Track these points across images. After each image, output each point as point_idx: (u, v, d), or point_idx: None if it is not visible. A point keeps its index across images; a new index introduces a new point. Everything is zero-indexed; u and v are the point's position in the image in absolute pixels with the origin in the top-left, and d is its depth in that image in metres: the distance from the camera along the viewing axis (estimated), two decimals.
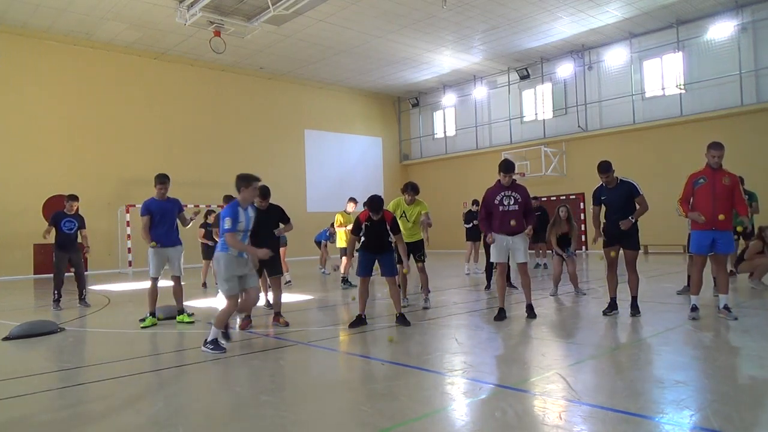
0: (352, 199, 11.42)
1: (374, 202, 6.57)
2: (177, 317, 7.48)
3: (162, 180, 7.31)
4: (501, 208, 6.71)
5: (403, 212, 8.04)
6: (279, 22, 16.82)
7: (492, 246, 6.90)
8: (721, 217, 6.11)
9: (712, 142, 6.33)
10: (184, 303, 7.69)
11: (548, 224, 9.36)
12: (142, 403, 4.05)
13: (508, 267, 7.61)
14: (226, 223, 5.44)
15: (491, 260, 7.04)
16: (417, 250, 8.24)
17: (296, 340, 6.11)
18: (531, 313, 6.77)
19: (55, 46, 17.67)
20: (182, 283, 7.54)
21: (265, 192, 6.70)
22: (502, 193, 6.72)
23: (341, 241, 11.12)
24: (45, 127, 17.47)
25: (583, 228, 19.26)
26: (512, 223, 6.66)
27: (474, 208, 13.32)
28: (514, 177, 6.86)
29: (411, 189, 7.97)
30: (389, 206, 8.33)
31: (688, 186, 6.38)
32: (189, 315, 7.51)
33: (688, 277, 8.34)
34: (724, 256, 6.49)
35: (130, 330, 7.15)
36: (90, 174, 18.08)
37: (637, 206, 6.67)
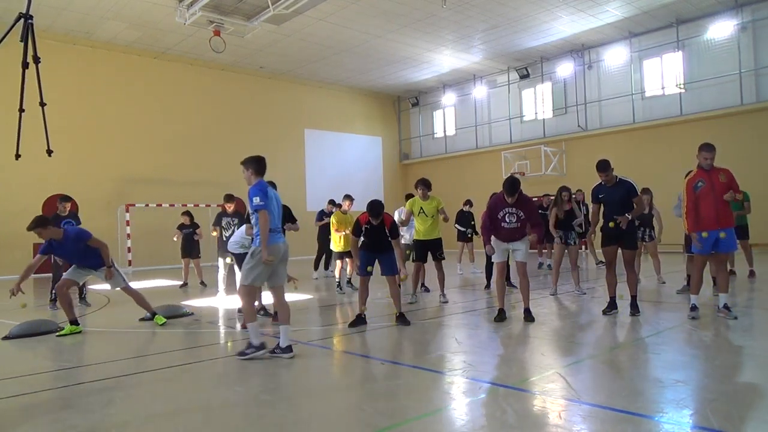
0: (348, 197, 10.56)
1: (374, 207, 6.55)
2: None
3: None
4: (503, 224, 6.66)
5: (421, 208, 8.31)
6: (279, 22, 16.81)
7: (494, 247, 6.87)
8: (726, 196, 6.13)
9: (703, 143, 6.32)
10: (185, 302, 7.70)
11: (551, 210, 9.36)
12: (141, 403, 4.05)
13: (508, 266, 7.64)
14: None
15: (494, 260, 7.00)
16: (436, 248, 8.42)
17: (296, 340, 6.11)
18: (529, 316, 6.69)
19: (55, 45, 17.65)
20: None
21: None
22: (506, 210, 6.61)
23: (335, 244, 10.39)
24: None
25: (582, 227, 19.23)
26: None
27: (466, 208, 13.19)
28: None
29: (423, 184, 8.26)
30: (406, 207, 8.48)
31: (690, 193, 6.32)
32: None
33: (688, 276, 8.36)
34: (725, 255, 6.49)
35: (130, 329, 7.15)
36: (90, 173, 18.07)
37: (635, 206, 6.72)
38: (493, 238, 6.79)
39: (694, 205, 6.29)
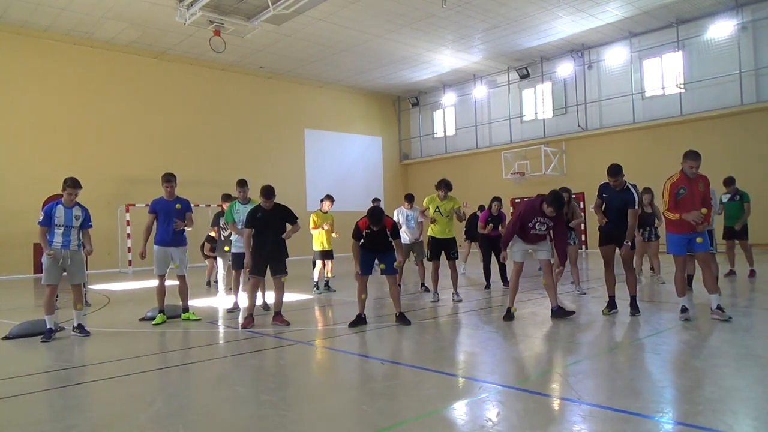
0: (329, 197, 10.59)
1: (375, 215, 6.50)
2: (182, 315, 7.54)
3: (167, 179, 7.39)
4: (532, 231, 6.75)
5: (437, 207, 8.44)
6: (279, 22, 16.80)
7: (515, 245, 6.92)
8: (703, 210, 6.14)
9: (689, 151, 6.25)
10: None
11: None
12: (142, 402, 4.05)
13: (504, 265, 7.66)
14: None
15: (514, 259, 7.00)
16: (450, 247, 8.49)
17: (296, 339, 6.12)
18: (562, 312, 6.70)
19: (55, 45, 17.65)
20: (187, 282, 7.64)
21: (268, 192, 6.83)
22: (539, 219, 6.66)
23: (316, 243, 10.35)
24: (45, 127, 17.45)
25: (582, 227, 19.24)
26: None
27: (479, 213, 13.02)
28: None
29: (444, 186, 8.47)
30: (423, 203, 8.57)
31: (672, 197, 6.29)
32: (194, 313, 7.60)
33: (689, 276, 8.36)
34: (703, 254, 6.37)
35: (130, 329, 7.16)
36: (90, 173, 17.98)
37: (629, 219, 6.68)
38: (514, 246, 6.91)
39: (674, 208, 6.28)
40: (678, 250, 6.37)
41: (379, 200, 12.26)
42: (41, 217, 6.53)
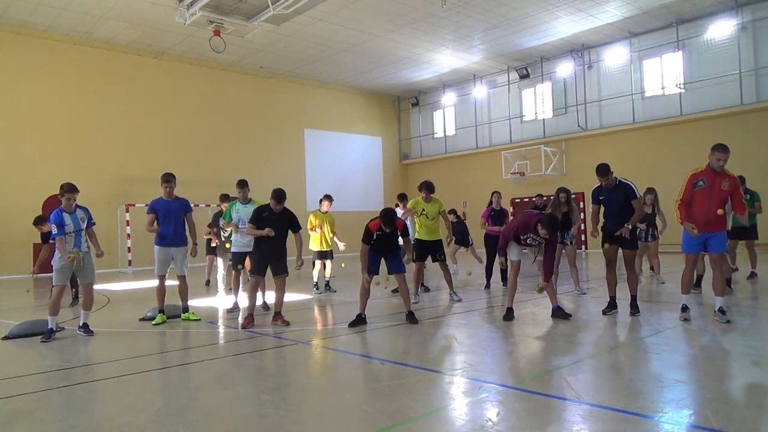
0: (327, 197, 10.51)
1: (387, 217, 6.53)
2: (182, 315, 7.55)
3: (167, 179, 7.40)
4: (521, 243, 6.83)
5: (423, 210, 8.41)
6: (279, 22, 16.81)
7: (511, 246, 6.95)
8: (719, 212, 6.03)
9: (717, 144, 6.06)
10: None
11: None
12: (142, 402, 4.05)
13: (503, 267, 7.71)
14: (53, 229, 6.53)
15: (511, 258, 7.02)
16: (436, 250, 8.45)
17: (296, 339, 6.12)
18: (562, 313, 6.71)
19: (55, 45, 17.65)
20: (187, 282, 7.65)
21: (280, 195, 6.92)
22: (531, 235, 6.69)
23: (315, 243, 10.25)
24: (44, 127, 17.45)
25: (582, 227, 19.24)
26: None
27: (454, 219, 12.61)
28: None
29: (425, 187, 8.46)
30: (408, 205, 8.58)
31: (688, 188, 6.17)
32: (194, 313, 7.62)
33: (699, 277, 8.37)
34: (716, 255, 6.27)
35: (130, 329, 7.16)
36: (89, 173, 18.05)
37: (634, 209, 6.68)
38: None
39: (688, 200, 6.19)
40: (692, 249, 6.30)
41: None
42: (54, 230, 6.53)
